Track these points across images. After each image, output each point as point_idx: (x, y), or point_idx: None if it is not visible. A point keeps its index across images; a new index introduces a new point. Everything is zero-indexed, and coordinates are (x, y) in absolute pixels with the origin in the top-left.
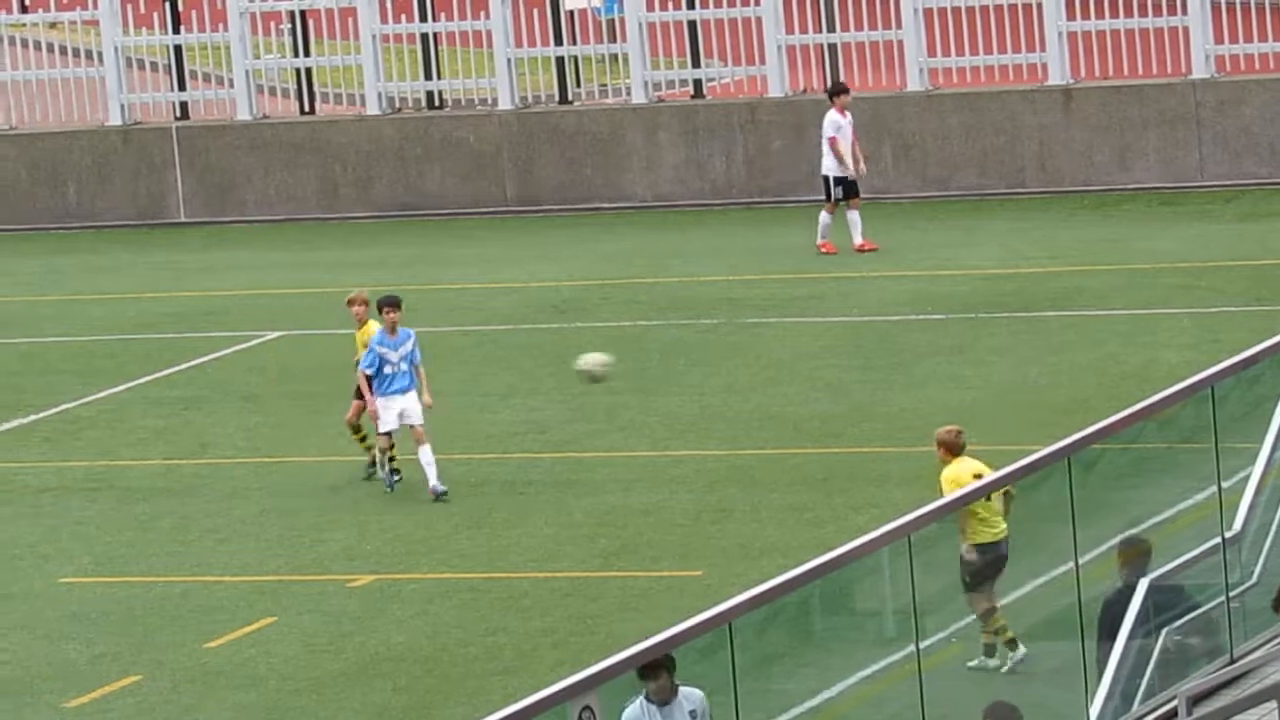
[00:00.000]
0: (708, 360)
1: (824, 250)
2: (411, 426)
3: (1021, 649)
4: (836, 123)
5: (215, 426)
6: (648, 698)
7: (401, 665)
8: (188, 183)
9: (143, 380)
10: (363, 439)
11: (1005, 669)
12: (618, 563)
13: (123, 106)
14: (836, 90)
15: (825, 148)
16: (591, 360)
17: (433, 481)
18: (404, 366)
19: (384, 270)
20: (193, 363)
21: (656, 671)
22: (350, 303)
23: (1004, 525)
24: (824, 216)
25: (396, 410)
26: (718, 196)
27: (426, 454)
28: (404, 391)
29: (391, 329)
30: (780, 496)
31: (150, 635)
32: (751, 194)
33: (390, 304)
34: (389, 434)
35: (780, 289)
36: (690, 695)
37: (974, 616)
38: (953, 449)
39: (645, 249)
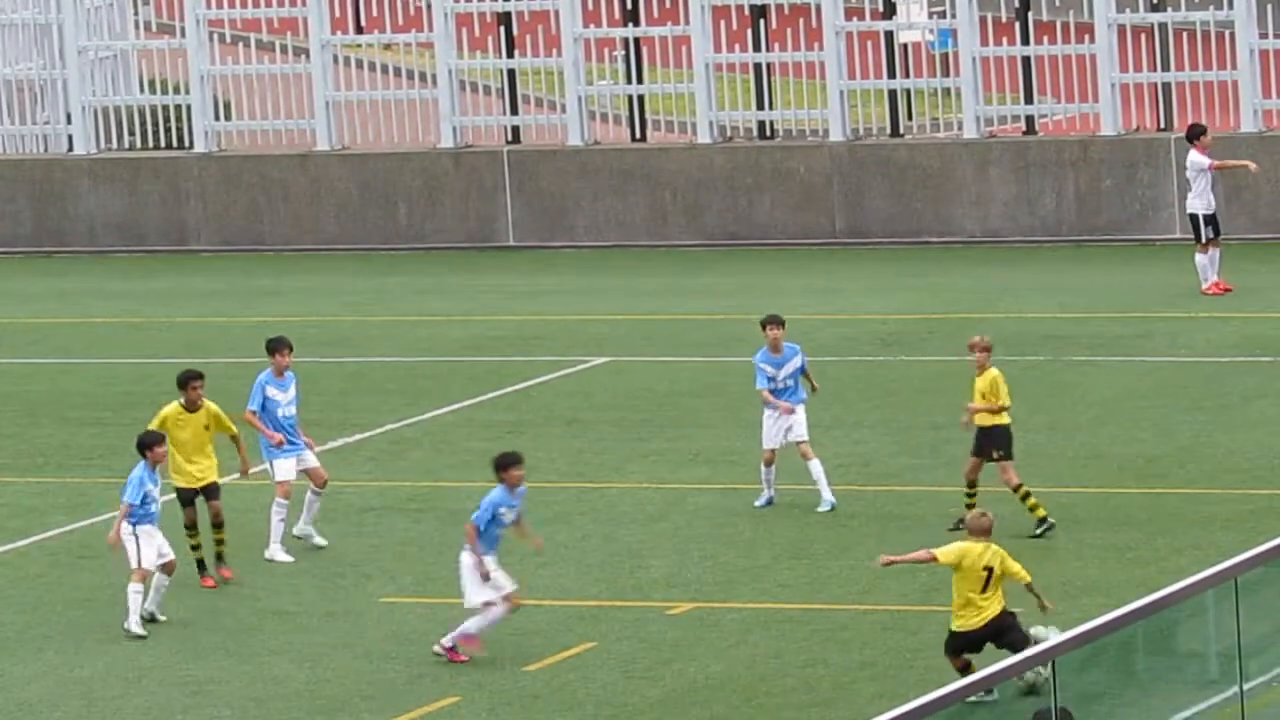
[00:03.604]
0: (1032, 397)
1: (1212, 291)
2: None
3: None
4: (1200, 163)
5: (539, 450)
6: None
7: (719, 694)
8: (517, 206)
9: (468, 403)
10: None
11: None
12: (939, 597)
13: (455, 129)
14: (1197, 133)
15: (1195, 187)
16: None
17: None
18: None
19: (712, 298)
20: (518, 386)
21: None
22: (971, 348)
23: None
24: (1200, 258)
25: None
26: (1047, 233)
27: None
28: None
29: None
30: (1103, 536)
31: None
32: (1081, 231)
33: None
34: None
35: (1107, 327)
36: None
37: None
38: (974, 530)
39: (973, 284)
